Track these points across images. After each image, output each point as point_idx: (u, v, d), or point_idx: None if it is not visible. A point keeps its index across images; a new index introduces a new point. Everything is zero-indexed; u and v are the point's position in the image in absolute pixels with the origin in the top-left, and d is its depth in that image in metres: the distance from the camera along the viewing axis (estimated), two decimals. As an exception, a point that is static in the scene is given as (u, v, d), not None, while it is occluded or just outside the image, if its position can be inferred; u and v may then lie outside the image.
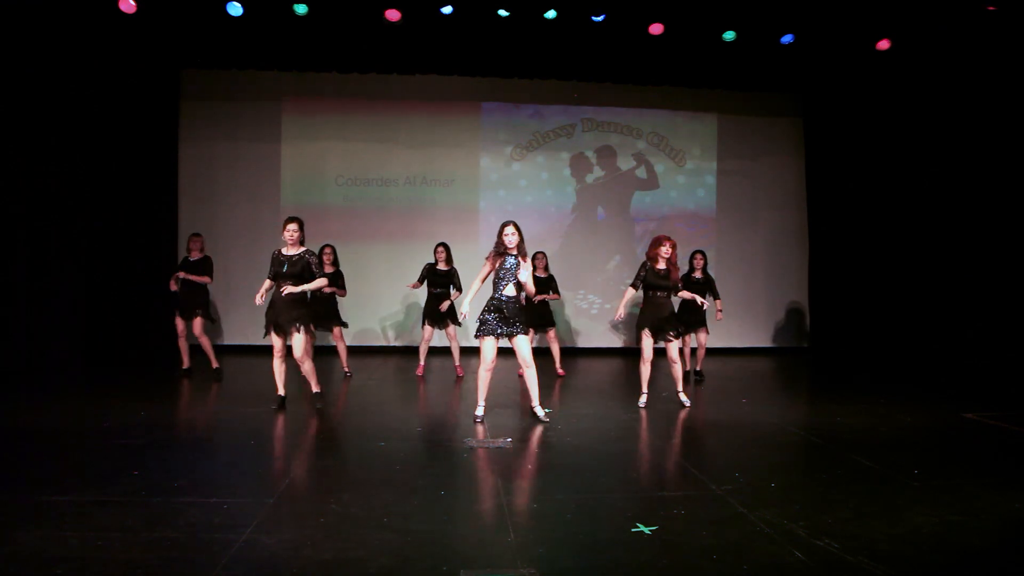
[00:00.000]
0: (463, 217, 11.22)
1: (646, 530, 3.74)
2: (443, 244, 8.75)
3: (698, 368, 8.83)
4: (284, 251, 6.62)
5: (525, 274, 6.17)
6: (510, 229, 6.15)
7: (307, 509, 4.04)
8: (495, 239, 6.27)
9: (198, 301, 8.38)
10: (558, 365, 9.09)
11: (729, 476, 4.74)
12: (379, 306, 11.18)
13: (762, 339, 11.85)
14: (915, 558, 3.46)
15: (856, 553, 3.47)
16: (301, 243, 6.64)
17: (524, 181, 11.51)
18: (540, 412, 6.34)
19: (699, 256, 8.60)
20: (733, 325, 11.68)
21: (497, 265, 6.19)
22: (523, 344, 6.22)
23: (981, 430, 6.25)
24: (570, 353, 11.20)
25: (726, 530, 3.78)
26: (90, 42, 9.01)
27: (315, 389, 6.87)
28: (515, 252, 6.17)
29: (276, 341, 6.60)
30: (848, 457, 5.26)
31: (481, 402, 6.34)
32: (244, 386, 8.26)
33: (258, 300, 6.60)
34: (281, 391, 6.74)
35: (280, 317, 6.54)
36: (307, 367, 6.74)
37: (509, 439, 5.67)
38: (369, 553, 3.42)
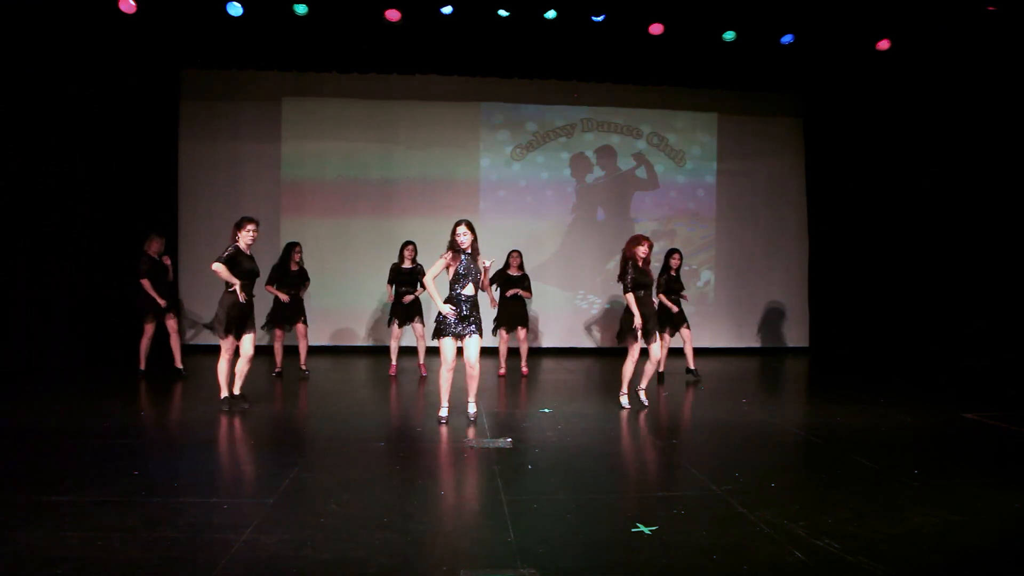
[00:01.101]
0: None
1: (646, 530, 3.74)
2: (411, 243, 8.81)
3: (691, 367, 8.73)
4: (245, 251, 6.55)
5: (486, 264, 6.18)
6: (462, 228, 6.10)
7: (307, 509, 4.04)
8: (472, 239, 6.22)
9: (173, 300, 8.46)
10: (523, 364, 9.06)
11: (729, 476, 4.74)
12: (379, 306, 11.17)
13: (762, 339, 11.85)
14: (915, 558, 3.46)
15: (856, 553, 3.47)
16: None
17: (524, 181, 11.51)
18: (472, 409, 6.29)
19: (676, 255, 8.57)
20: (733, 325, 11.71)
21: (455, 265, 6.13)
22: (473, 345, 6.14)
23: (981, 430, 6.25)
24: (570, 353, 11.21)
25: (726, 530, 3.78)
26: (90, 42, 9.01)
27: (238, 391, 6.70)
28: (468, 250, 6.13)
29: (231, 343, 6.47)
30: (848, 457, 5.26)
31: (444, 403, 6.29)
32: (244, 386, 8.25)
33: (243, 298, 6.44)
34: (226, 392, 6.60)
35: (248, 318, 6.52)
36: (248, 367, 6.68)
37: (509, 439, 5.67)
38: (369, 553, 3.42)
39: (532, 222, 11.38)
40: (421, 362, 8.92)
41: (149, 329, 8.35)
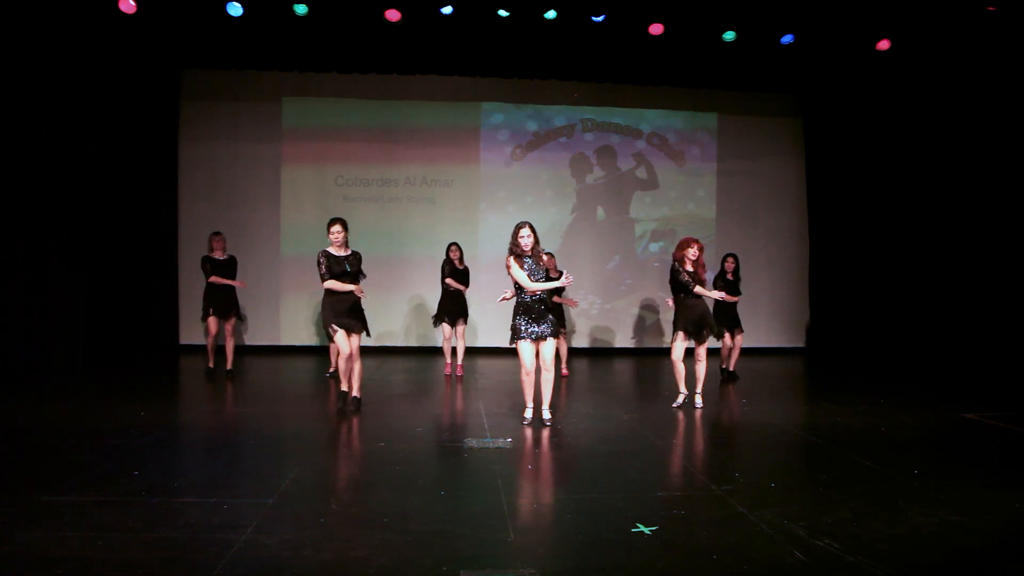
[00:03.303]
0: (463, 217, 11.21)
1: (646, 530, 3.74)
2: (456, 243, 8.80)
3: (731, 368, 8.85)
4: (333, 252, 6.52)
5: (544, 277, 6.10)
6: (525, 231, 6.07)
7: (307, 509, 4.04)
8: (510, 240, 6.19)
9: (234, 301, 8.43)
10: (564, 365, 9.10)
11: (729, 476, 4.74)
12: (378, 306, 11.14)
13: (762, 339, 11.82)
14: (915, 558, 3.46)
15: (856, 553, 3.47)
16: (346, 244, 6.61)
17: (524, 181, 11.50)
18: (547, 415, 6.22)
19: (731, 259, 8.75)
20: (733, 325, 11.69)
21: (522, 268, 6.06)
22: (549, 348, 6.09)
23: (981, 430, 6.25)
24: (570, 354, 11.18)
25: (726, 530, 3.78)
26: (90, 42, 9.01)
27: (357, 393, 6.74)
28: (530, 254, 6.09)
29: (344, 343, 6.50)
30: (848, 457, 5.26)
31: (529, 404, 6.21)
32: (245, 386, 8.26)
33: (361, 294, 6.49)
34: (347, 387, 6.70)
35: (350, 319, 6.52)
36: (360, 368, 6.73)
37: (509, 439, 5.67)
38: (369, 553, 3.42)
39: (532, 222, 11.31)
40: (459, 362, 8.89)
41: (212, 328, 8.33)
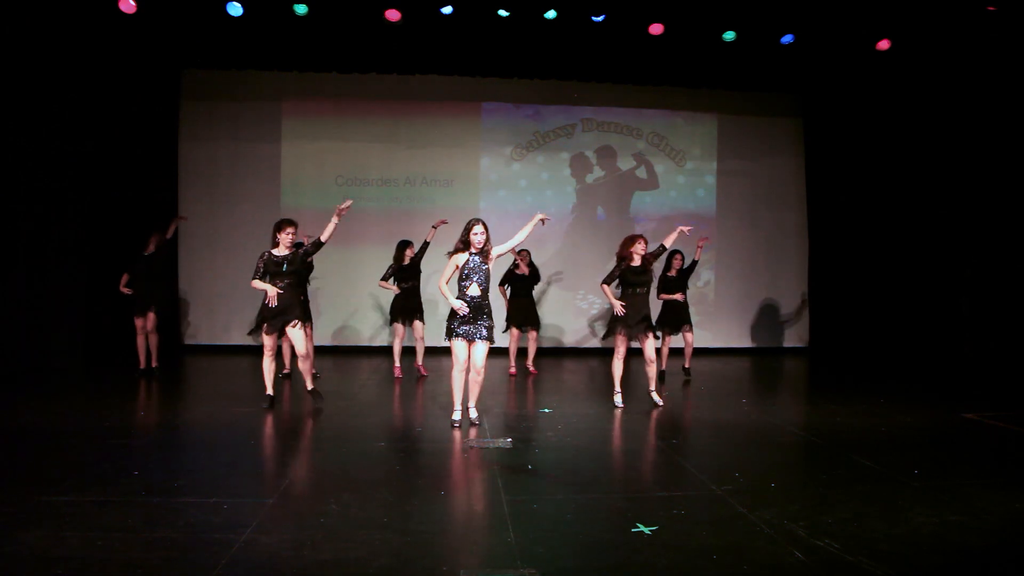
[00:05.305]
0: (463, 217, 11.11)
1: (646, 530, 3.74)
2: (411, 243, 8.72)
3: (686, 366, 8.81)
4: (276, 252, 6.66)
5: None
6: (479, 228, 5.97)
7: (307, 509, 4.04)
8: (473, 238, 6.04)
9: (156, 297, 8.46)
10: (530, 362, 9.07)
11: (729, 476, 4.73)
12: (379, 307, 11.16)
13: (761, 339, 11.84)
14: (915, 558, 3.46)
15: (856, 553, 3.47)
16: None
17: (524, 181, 11.51)
18: (474, 414, 6.18)
19: (678, 256, 8.62)
20: (733, 325, 11.70)
21: (462, 264, 6.00)
22: (480, 350, 6.00)
23: (981, 430, 6.25)
24: (570, 354, 11.20)
25: (726, 530, 3.78)
26: (90, 42, 9.00)
27: (311, 386, 6.89)
28: (476, 251, 5.99)
29: (268, 340, 6.68)
30: (848, 457, 5.26)
31: (457, 406, 6.16)
32: (244, 386, 8.25)
33: (274, 301, 6.58)
34: (270, 390, 6.82)
35: (279, 315, 6.61)
36: (309, 364, 6.88)
37: (509, 439, 5.67)
38: (369, 553, 3.42)
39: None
40: (419, 362, 8.90)
41: (139, 324, 8.39)
